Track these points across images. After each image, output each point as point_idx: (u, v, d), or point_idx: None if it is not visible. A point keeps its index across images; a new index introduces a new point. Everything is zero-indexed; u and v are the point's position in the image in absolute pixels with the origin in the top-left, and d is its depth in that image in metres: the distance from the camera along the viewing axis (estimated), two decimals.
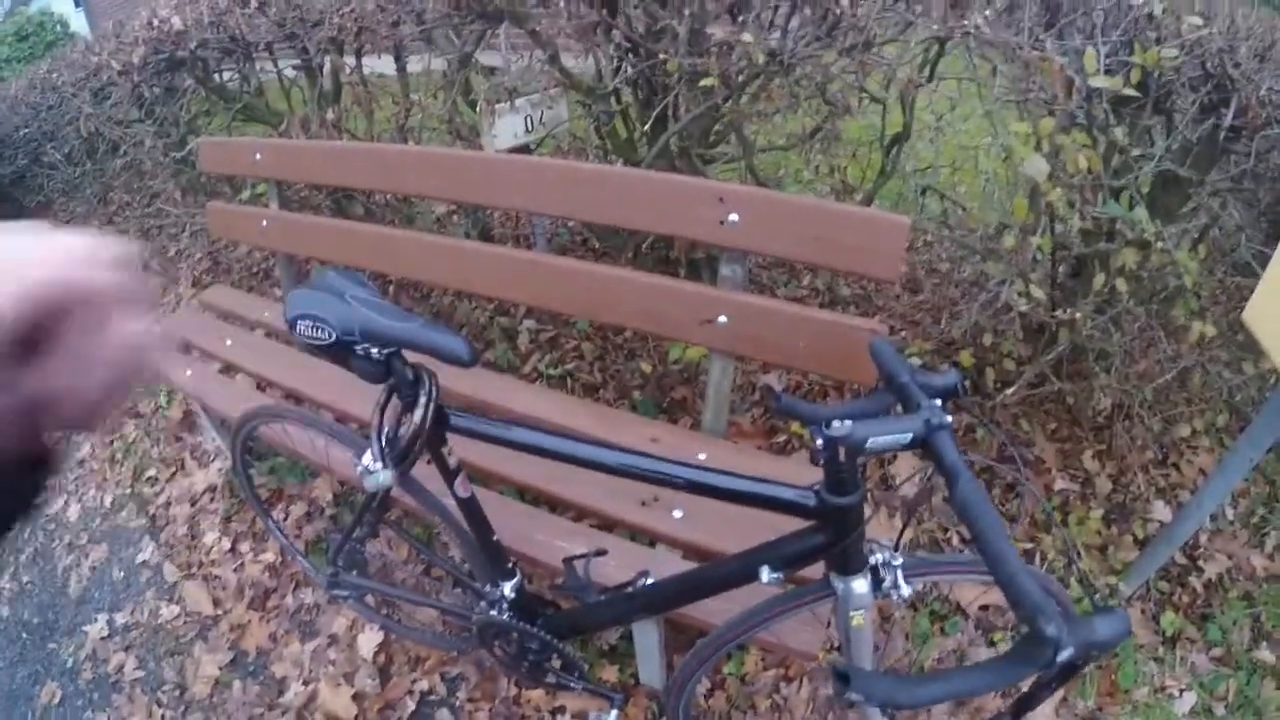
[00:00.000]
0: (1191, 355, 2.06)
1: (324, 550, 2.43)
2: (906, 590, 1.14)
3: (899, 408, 1.05)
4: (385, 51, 2.90)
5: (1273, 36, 1.86)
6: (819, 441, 0.99)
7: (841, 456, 1.01)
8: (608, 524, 1.73)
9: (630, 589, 1.39)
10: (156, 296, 4.20)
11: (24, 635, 2.65)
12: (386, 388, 1.33)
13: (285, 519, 2.58)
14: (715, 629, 1.43)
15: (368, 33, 2.75)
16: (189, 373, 2.45)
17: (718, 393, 1.79)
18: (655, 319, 1.78)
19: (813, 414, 1.10)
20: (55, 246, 0.41)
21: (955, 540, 2.21)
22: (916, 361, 2.08)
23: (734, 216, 1.60)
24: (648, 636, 1.75)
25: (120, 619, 2.52)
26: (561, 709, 1.90)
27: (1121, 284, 1.85)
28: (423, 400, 1.25)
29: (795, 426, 2.38)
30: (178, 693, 2.22)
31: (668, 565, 1.55)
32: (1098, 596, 2.02)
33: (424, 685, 2.02)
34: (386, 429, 1.34)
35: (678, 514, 1.59)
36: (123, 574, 2.70)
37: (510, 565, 1.52)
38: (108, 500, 3.06)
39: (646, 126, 2.12)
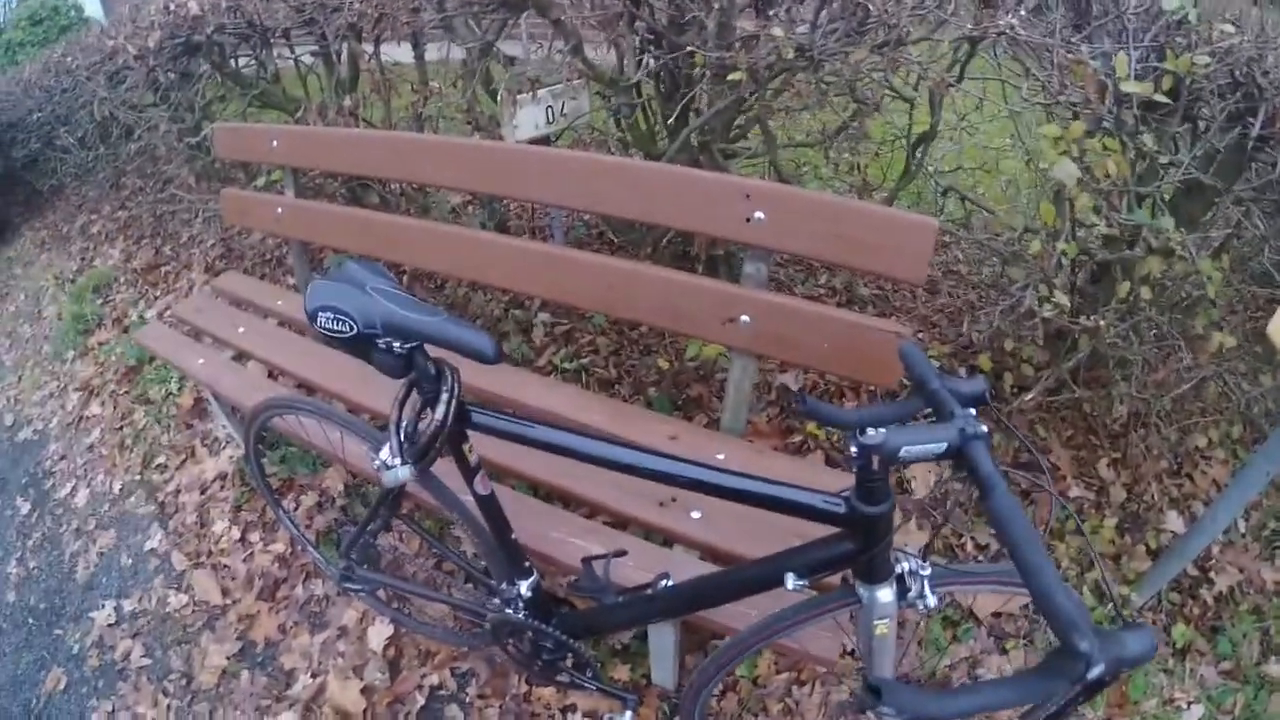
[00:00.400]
0: (1210, 366, 2.04)
1: (335, 542, 2.42)
2: (933, 600, 1.12)
3: (926, 413, 1.04)
4: (404, 39, 2.87)
5: None
6: (853, 449, 0.98)
7: (875, 465, 1.00)
8: (624, 523, 1.71)
9: (650, 591, 1.38)
10: None
11: (30, 620, 2.65)
12: (407, 382, 1.32)
13: (296, 509, 2.57)
14: (736, 633, 1.42)
15: (388, 19, 2.72)
16: (201, 360, 2.44)
17: (738, 392, 1.77)
18: (675, 316, 1.76)
19: (844, 419, 1.09)
20: None
21: (969, 547, 2.19)
22: (934, 365, 2.05)
23: (760, 214, 1.58)
24: (664, 638, 1.73)
25: (128, 606, 2.51)
26: (573, 707, 1.89)
27: (1145, 292, 1.83)
28: (445, 396, 1.23)
29: (811, 427, 2.36)
30: (184, 682, 2.21)
31: (685, 567, 1.53)
32: (1125, 612, 2.00)
33: (434, 680, 2.01)
34: (405, 424, 1.32)
35: (696, 515, 1.57)
36: (131, 561, 2.69)
37: (527, 564, 1.50)
38: (116, 486, 3.05)
39: (671, 120, 2.09)
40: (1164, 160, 1.87)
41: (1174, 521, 2.19)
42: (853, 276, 2.84)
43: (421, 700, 1.98)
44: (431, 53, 3.05)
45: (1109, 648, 0.76)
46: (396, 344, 1.20)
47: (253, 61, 3.78)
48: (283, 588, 2.37)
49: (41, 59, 6.21)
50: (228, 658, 2.22)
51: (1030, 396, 2.16)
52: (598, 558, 1.46)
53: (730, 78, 1.80)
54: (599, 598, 1.42)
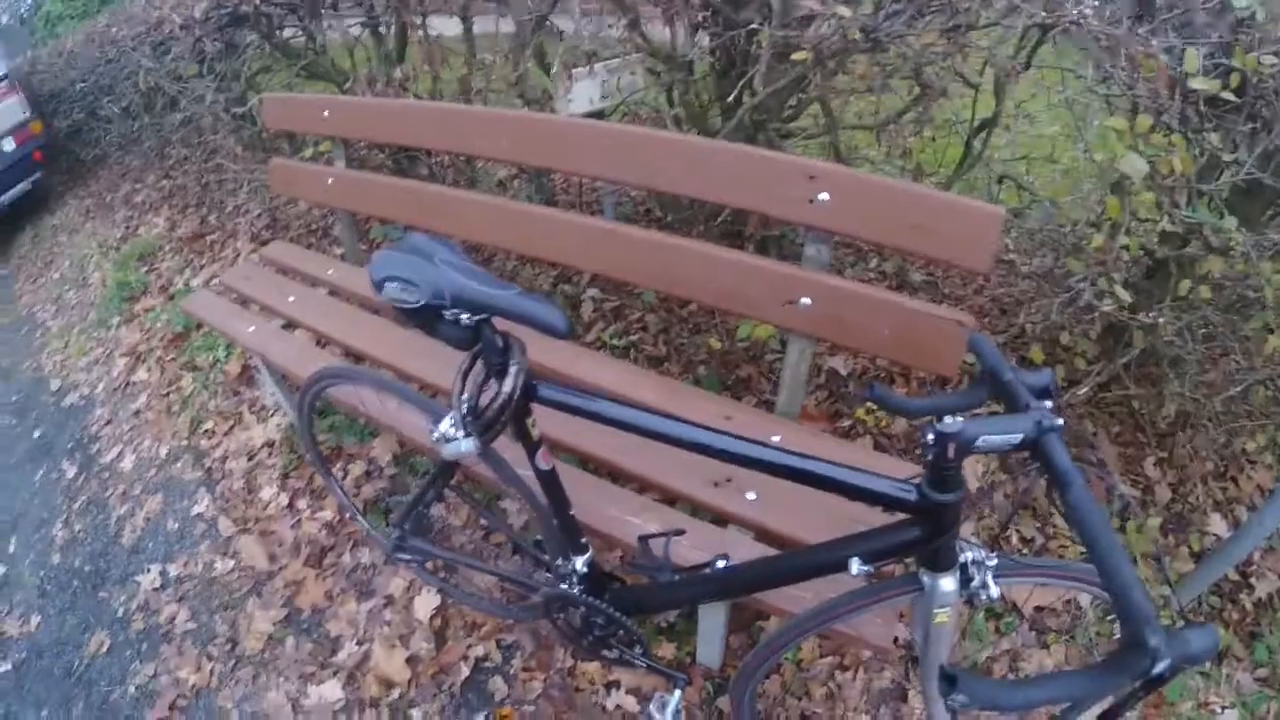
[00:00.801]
0: (1263, 369, 2.01)
1: (382, 511, 2.45)
2: (995, 591, 1.12)
3: (993, 405, 1.03)
4: (455, 12, 2.86)
5: None
6: (929, 436, 0.98)
7: (950, 453, 0.99)
8: (675, 501, 1.71)
9: (707, 570, 1.38)
10: None
11: (75, 583, 2.70)
12: (471, 355, 1.32)
13: (344, 477, 2.60)
14: (788, 615, 1.42)
15: None
16: (251, 329, 2.46)
17: (794, 375, 1.76)
18: (732, 295, 1.75)
19: (914, 408, 1.09)
20: None
21: (1015, 540, 2.17)
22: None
23: (824, 196, 1.56)
24: (714, 619, 1.73)
25: (173, 570, 2.55)
26: (616, 683, 1.90)
27: (1205, 291, 1.81)
28: (514, 369, 1.24)
29: (860, 412, 2.35)
30: (229, 646, 2.25)
31: (740, 547, 1.53)
32: (1184, 610, 1.99)
33: (479, 651, 2.02)
34: (468, 396, 1.32)
35: (751, 496, 1.57)
36: (177, 526, 2.74)
37: (584, 540, 1.51)
38: (163, 451, 3.10)
39: (731, 98, 2.07)
40: (1229, 159, 1.83)
41: (1218, 524, 2.17)
42: (904, 262, 2.81)
43: (466, 671, 2.00)
44: (479, 26, 3.03)
45: (1175, 645, 0.77)
46: (465, 316, 1.20)
47: (300, 32, 3.79)
48: (330, 555, 2.40)
49: (84, 30, 6.28)
50: (273, 624, 2.25)
51: (1082, 391, 2.13)
52: (655, 535, 1.46)
53: (795, 56, 1.77)
54: (655, 576, 1.43)
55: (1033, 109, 2.42)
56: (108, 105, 5.30)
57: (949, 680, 0.84)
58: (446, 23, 3.05)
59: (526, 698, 1.93)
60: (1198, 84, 1.62)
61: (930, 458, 1.00)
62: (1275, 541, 2.16)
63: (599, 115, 2.47)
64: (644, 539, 1.46)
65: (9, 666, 2.46)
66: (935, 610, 1.14)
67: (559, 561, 1.54)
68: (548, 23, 2.57)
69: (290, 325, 2.50)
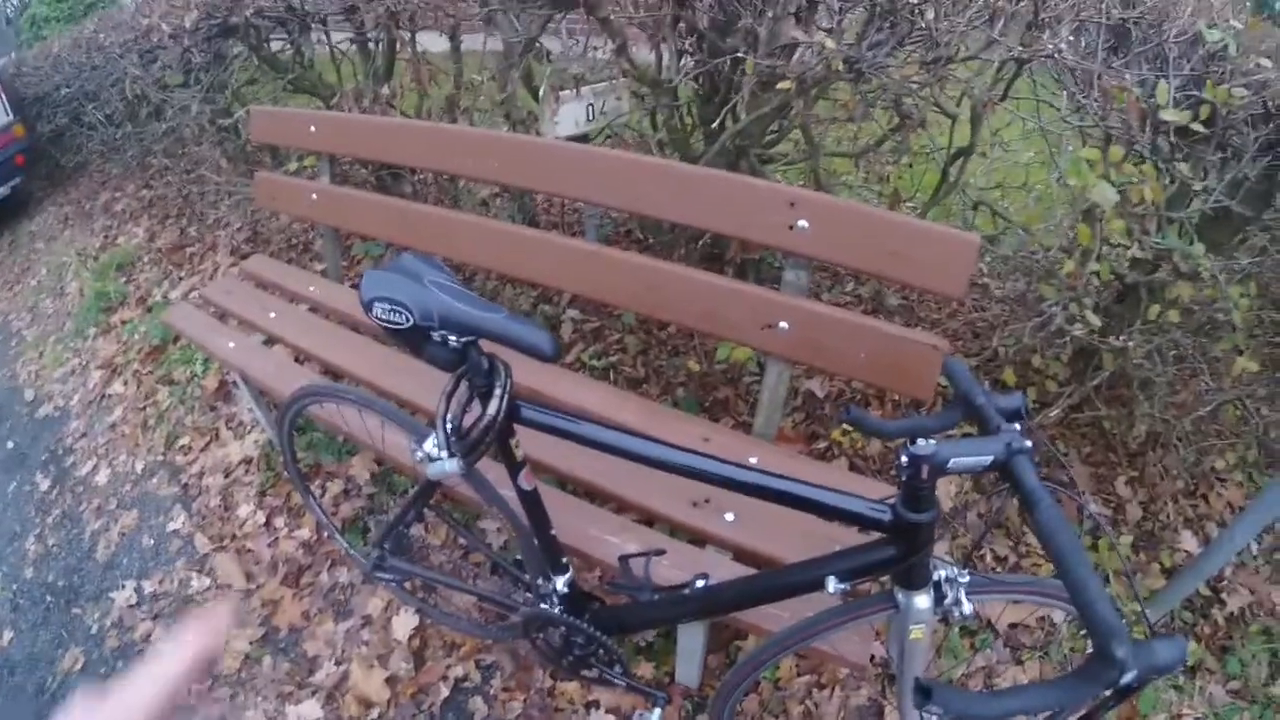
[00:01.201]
0: (1231, 390, 2.07)
1: (360, 530, 2.44)
2: (968, 608, 1.15)
3: (966, 427, 1.06)
4: (444, 31, 2.88)
5: None
6: (903, 458, 1.00)
7: (924, 475, 1.02)
8: (654, 521, 1.73)
9: (687, 590, 1.39)
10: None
11: (48, 598, 2.66)
12: (455, 376, 1.33)
13: (322, 495, 2.58)
14: (766, 634, 1.44)
15: (431, 8, 2.74)
16: (231, 344, 2.44)
17: (771, 397, 1.79)
18: (713, 319, 1.78)
19: (889, 430, 1.12)
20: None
21: (989, 558, 2.21)
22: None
23: (803, 222, 1.60)
24: (693, 638, 1.75)
25: (149, 587, 2.52)
26: (596, 703, 1.91)
27: (1174, 315, 1.86)
28: (498, 391, 1.25)
29: (836, 434, 2.38)
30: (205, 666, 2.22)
31: (719, 567, 1.55)
32: (1156, 624, 2.03)
33: (459, 671, 2.02)
34: (452, 417, 1.34)
35: (729, 516, 1.59)
36: (152, 542, 2.71)
37: (564, 560, 1.52)
38: (139, 466, 3.07)
39: (715, 124, 2.11)
40: (1199, 187, 1.89)
41: (1188, 541, 2.22)
42: (881, 286, 2.86)
43: (446, 692, 1.99)
44: (467, 44, 3.06)
45: (1142, 656, 0.80)
46: (452, 338, 1.22)
47: (288, 46, 3.80)
48: (307, 574, 2.39)
49: (72, 34, 6.22)
50: (250, 643, 2.23)
51: (1054, 412, 2.18)
52: (636, 555, 1.47)
53: (779, 86, 1.81)
54: (636, 595, 1.44)
55: (1008, 137, 2.47)
56: (92, 111, 5.24)
57: (924, 692, 0.86)
58: (435, 40, 3.07)
59: (506, 717, 1.93)
60: (1169, 115, 1.68)
61: (905, 478, 1.03)
62: (1246, 557, 2.21)
63: (584, 138, 2.50)
64: (624, 559, 1.47)
65: None
66: (910, 627, 1.17)
67: (539, 581, 1.55)
68: (539, 44, 2.60)
69: (270, 341, 2.49)
